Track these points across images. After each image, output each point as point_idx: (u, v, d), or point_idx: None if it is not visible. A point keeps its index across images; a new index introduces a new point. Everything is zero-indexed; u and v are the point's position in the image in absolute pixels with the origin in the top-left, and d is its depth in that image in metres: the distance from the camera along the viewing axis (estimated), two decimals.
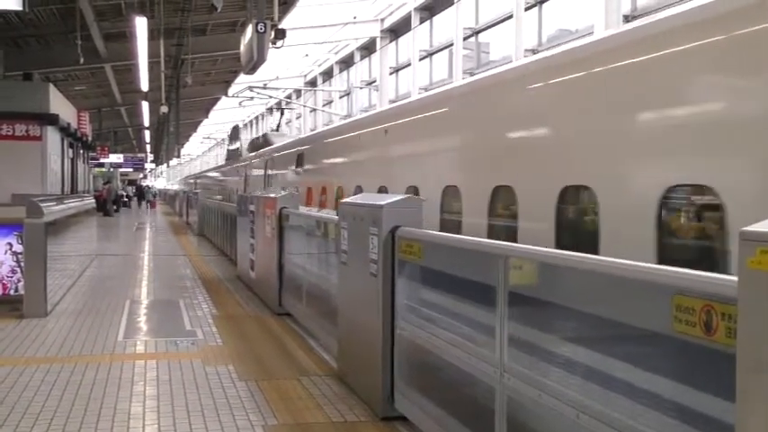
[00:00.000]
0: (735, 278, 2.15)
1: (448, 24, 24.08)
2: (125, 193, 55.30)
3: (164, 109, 32.69)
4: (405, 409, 5.09)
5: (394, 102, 27.56)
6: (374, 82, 31.73)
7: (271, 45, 12.34)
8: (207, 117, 53.78)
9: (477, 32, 22.67)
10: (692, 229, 4.67)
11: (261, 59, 12.10)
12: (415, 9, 26.13)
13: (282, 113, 35.43)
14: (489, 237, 6.55)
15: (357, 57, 33.66)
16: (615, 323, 2.98)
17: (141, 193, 54.71)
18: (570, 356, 3.29)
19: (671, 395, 2.65)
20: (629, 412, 2.80)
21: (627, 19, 14.93)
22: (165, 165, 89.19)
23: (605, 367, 3.02)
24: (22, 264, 9.50)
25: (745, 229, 2.09)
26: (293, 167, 16.81)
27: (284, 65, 36.21)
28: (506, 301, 3.64)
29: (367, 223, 5.53)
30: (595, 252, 5.00)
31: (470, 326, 4.29)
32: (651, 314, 2.68)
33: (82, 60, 21.39)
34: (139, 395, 5.85)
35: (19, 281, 9.73)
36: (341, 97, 37.09)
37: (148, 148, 65.21)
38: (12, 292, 9.82)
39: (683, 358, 2.55)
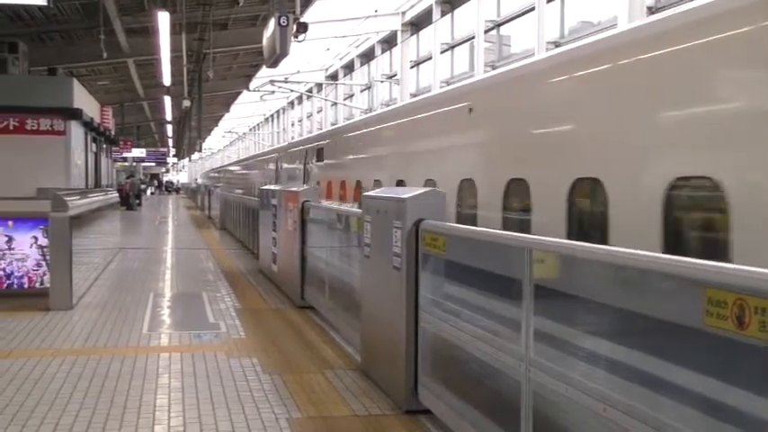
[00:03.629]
0: None
1: (469, 17, 23.96)
2: (146, 186, 55.99)
3: (186, 103, 32.85)
4: (429, 403, 5.08)
5: (415, 95, 27.50)
6: (395, 75, 31.66)
7: (293, 39, 12.34)
8: (228, 111, 54.02)
9: (499, 25, 22.53)
10: None
11: (283, 53, 12.11)
12: (436, 2, 26.02)
13: None
14: None
15: (378, 50, 33.61)
16: (644, 317, 2.95)
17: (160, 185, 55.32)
18: (597, 350, 3.27)
19: (700, 389, 2.62)
20: (657, 406, 2.78)
21: (651, 11, 14.77)
22: (188, 159, 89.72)
23: (633, 361, 2.99)
24: (48, 257, 9.59)
25: None
26: None
27: (305, 59, 36.20)
28: (532, 294, 3.62)
29: (390, 216, 5.52)
30: None
31: (495, 319, 4.27)
32: (682, 308, 2.65)
33: (105, 55, 21.55)
34: (164, 387, 5.89)
35: (44, 274, 9.82)
36: (362, 91, 37.06)
37: (170, 142, 65.64)
38: (38, 285, 9.92)
39: (713, 352, 2.52)
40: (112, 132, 32.88)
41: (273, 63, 13.40)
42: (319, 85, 42.43)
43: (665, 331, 2.81)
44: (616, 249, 3.12)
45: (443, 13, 26.01)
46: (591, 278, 3.38)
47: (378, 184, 11.21)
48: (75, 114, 21.33)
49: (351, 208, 9.07)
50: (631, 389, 2.94)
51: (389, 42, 32.35)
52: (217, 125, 67.97)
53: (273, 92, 36.29)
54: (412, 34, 29.77)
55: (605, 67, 5.90)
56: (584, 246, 3.43)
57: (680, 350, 2.76)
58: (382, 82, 33.31)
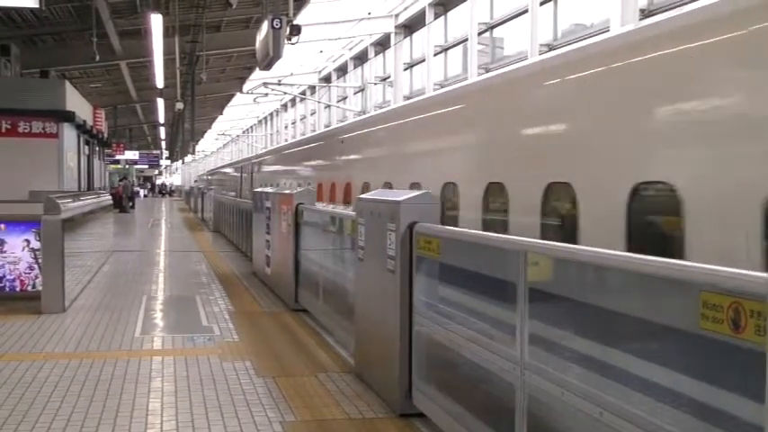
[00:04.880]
0: (765, 275, 2.11)
1: (462, 20, 23.99)
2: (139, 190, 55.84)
3: (179, 106, 32.81)
4: (423, 406, 5.07)
5: (408, 98, 27.50)
6: (388, 78, 31.68)
7: (286, 41, 12.33)
8: (221, 114, 53.95)
9: (492, 27, 22.57)
10: None
11: (277, 55, 12.11)
12: (430, 4, 26.05)
13: None
14: None
15: (371, 53, 33.62)
16: (639, 320, 2.94)
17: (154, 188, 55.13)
18: (593, 354, 3.25)
19: (697, 394, 2.61)
20: (654, 411, 2.77)
21: (644, 14, 14.80)
22: (181, 161, 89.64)
23: (629, 365, 2.98)
24: (40, 260, 9.54)
25: None
26: None
27: (298, 61, 36.20)
28: (527, 297, 3.61)
29: (384, 219, 5.51)
30: None
31: (490, 322, 4.26)
32: (677, 311, 2.64)
33: (97, 58, 21.47)
34: (157, 391, 5.86)
35: (36, 277, 9.77)
36: (355, 93, 37.06)
37: (163, 144, 65.52)
38: (30, 288, 9.88)
39: (709, 356, 2.51)
40: (105, 135, 32.79)
41: (267, 65, 13.40)
42: (312, 88, 42.44)
43: (660, 335, 2.80)
44: (610, 252, 3.11)
45: (437, 16, 26.04)
46: (585, 281, 3.37)
47: None
48: (68, 117, 21.26)
49: (345, 210, 9.04)
50: (628, 393, 2.93)
51: (383, 45, 32.37)
52: (210, 127, 67.88)
53: (267, 94, 36.31)
54: (405, 36, 29.79)
55: None
56: (577, 249, 3.43)
57: (676, 354, 2.75)
58: (376, 84, 33.32)
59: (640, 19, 14.51)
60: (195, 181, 65.28)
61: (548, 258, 3.64)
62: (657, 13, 13.12)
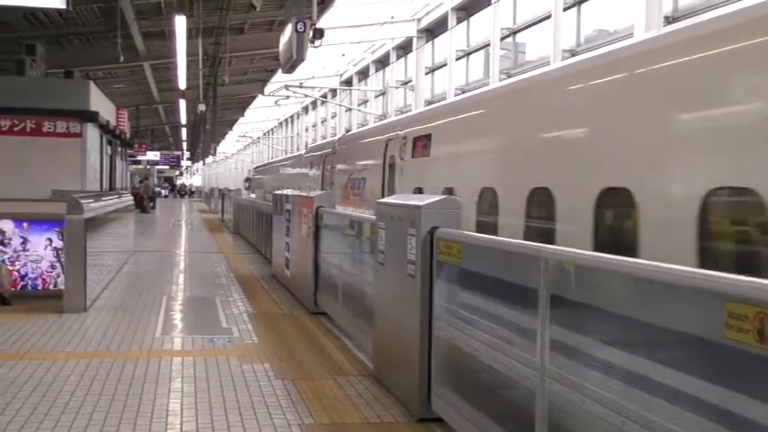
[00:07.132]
0: None
1: (485, 24, 23.94)
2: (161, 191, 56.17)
3: (201, 107, 32.93)
4: (442, 411, 5.06)
5: (430, 102, 27.48)
6: (410, 82, 31.68)
7: (309, 44, 12.36)
8: (243, 116, 54.15)
9: (515, 33, 22.50)
10: None
11: (300, 58, 12.13)
12: (452, 9, 26.02)
13: None
14: None
15: (393, 56, 33.63)
16: (663, 329, 2.91)
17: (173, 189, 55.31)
18: (615, 362, 3.23)
19: (720, 403, 2.59)
20: (677, 420, 2.75)
21: (668, 20, 14.70)
22: (201, 162, 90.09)
23: (652, 374, 2.96)
24: (62, 259, 9.62)
25: None
26: None
27: (320, 64, 36.27)
28: (548, 303, 3.59)
29: (405, 224, 5.51)
30: None
31: (510, 328, 4.24)
32: (701, 320, 2.62)
33: (122, 58, 21.63)
34: (177, 392, 5.89)
35: (58, 276, 9.86)
36: (376, 97, 37.08)
37: (185, 145, 65.88)
38: (51, 287, 9.96)
39: (733, 366, 2.49)
40: (128, 135, 33.01)
41: (290, 68, 13.44)
42: (334, 91, 42.49)
43: (684, 344, 2.78)
44: (633, 261, 3.09)
45: (459, 20, 26.00)
46: (608, 289, 3.35)
47: None
48: (92, 117, 21.42)
49: (364, 214, 9.03)
50: (650, 402, 2.91)
51: (405, 49, 32.38)
52: (231, 129, 68.17)
53: (288, 96, 36.38)
54: (427, 41, 29.77)
55: None
56: (598, 256, 3.40)
57: (699, 363, 2.73)
58: (397, 88, 33.31)
59: (664, 25, 14.42)
60: (246, 179, 52.36)
61: (569, 265, 3.62)
62: (681, 20, 13.03)
